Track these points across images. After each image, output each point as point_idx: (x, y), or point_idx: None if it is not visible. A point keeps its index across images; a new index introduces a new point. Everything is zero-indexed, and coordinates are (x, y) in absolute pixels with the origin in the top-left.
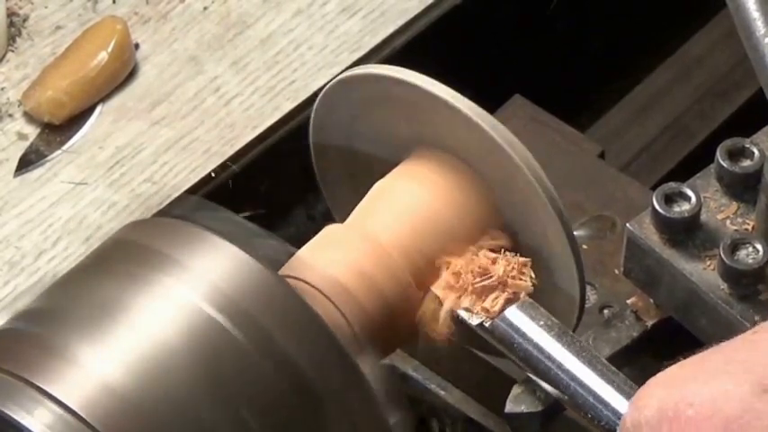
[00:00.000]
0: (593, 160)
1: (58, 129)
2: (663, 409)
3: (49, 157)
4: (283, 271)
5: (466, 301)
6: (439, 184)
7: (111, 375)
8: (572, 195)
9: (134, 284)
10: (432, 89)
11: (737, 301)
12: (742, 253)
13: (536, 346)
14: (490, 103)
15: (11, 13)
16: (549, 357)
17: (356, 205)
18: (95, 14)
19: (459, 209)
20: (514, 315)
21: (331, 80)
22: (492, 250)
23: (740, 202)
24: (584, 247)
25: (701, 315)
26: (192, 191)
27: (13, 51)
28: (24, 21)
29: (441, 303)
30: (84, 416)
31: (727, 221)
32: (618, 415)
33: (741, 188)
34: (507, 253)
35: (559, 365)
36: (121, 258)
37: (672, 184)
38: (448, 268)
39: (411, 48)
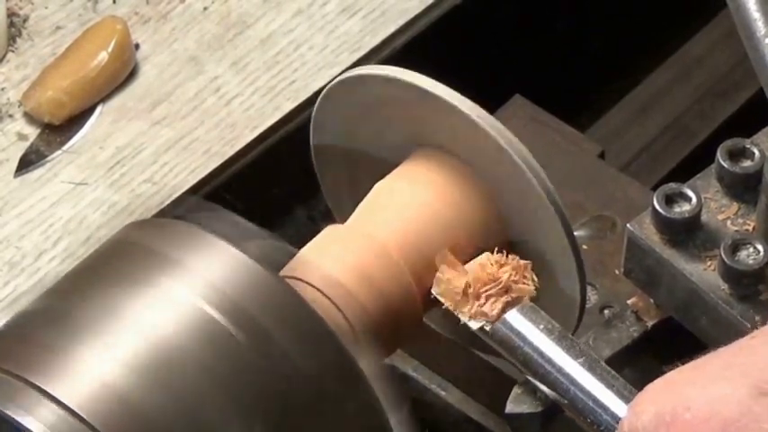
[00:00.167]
0: (593, 160)
1: (58, 129)
2: (660, 413)
3: (49, 158)
4: (284, 272)
5: (467, 305)
6: (439, 184)
7: (112, 375)
8: (572, 195)
9: (134, 285)
10: (432, 89)
11: (738, 302)
12: (743, 253)
13: (536, 349)
14: (490, 103)
15: (11, 14)
16: (549, 361)
17: (356, 206)
18: (95, 14)
19: (460, 209)
20: (515, 319)
21: (331, 80)
22: (493, 251)
23: (741, 202)
24: (585, 247)
25: (701, 315)
26: (193, 191)
27: (13, 52)
28: (24, 21)
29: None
30: (84, 416)
31: (728, 222)
32: (617, 419)
33: (742, 188)
34: (509, 256)
35: (559, 369)
36: (121, 259)
37: (672, 185)
38: (445, 269)
39: (411, 48)
